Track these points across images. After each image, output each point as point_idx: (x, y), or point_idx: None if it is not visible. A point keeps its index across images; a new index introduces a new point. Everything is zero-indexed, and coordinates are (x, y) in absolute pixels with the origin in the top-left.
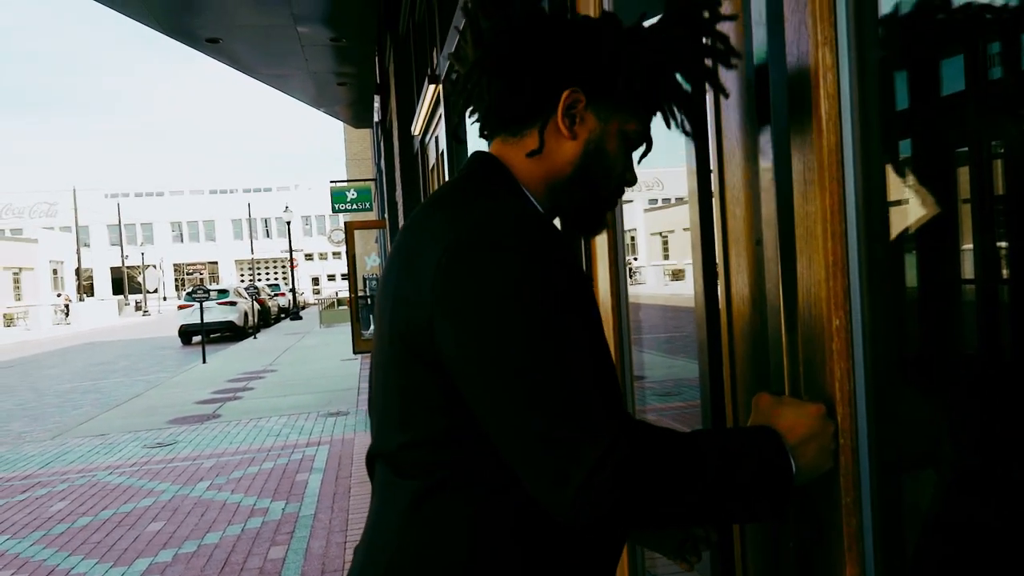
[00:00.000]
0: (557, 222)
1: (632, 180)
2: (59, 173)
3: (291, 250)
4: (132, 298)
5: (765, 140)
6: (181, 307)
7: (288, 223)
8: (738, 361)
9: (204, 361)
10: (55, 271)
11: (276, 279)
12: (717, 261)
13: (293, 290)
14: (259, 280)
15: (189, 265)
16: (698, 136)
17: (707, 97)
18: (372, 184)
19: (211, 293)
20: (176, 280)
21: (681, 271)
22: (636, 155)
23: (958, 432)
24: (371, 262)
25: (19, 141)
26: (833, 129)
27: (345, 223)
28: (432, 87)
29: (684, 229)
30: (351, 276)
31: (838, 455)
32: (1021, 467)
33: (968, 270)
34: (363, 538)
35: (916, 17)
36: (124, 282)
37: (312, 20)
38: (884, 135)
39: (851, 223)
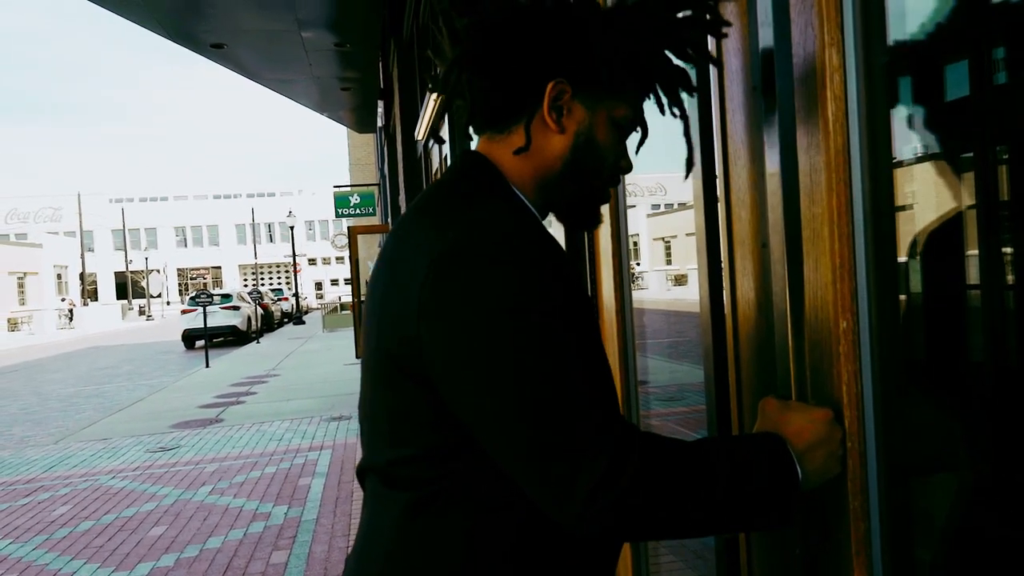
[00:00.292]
0: (551, 217)
1: (627, 167)
2: (64, 178)
3: (294, 255)
4: (136, 303)
5: (771, 142)
6: (184, 311)
7: (291, 228)
8: (744, 365)
9: (207, 365)
10: (59, 276)
11: (279, 284)
12: (723, 264)
13: (296, 295)
14: (262, 285)
15: (193, 270)
16: (703, 140)
17: (712, 99)
18: (375, 189)
19: (214, 298)
20: (180, 285)
21: (684, 276)
22: (633, 143)
23: (969, 437)
24: (374, 266)
25: (25, 147)
26: (840, 130)
27: (348, 228)
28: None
29: (687, 234)
30: (354, 281)
31: (845, 460)
32: None
33: (975, 273)
34: (354, 548)
35: (923, 18)
36: (128, 287)
37: (316, 25)
38: (891, 137)
39: (858, 225)
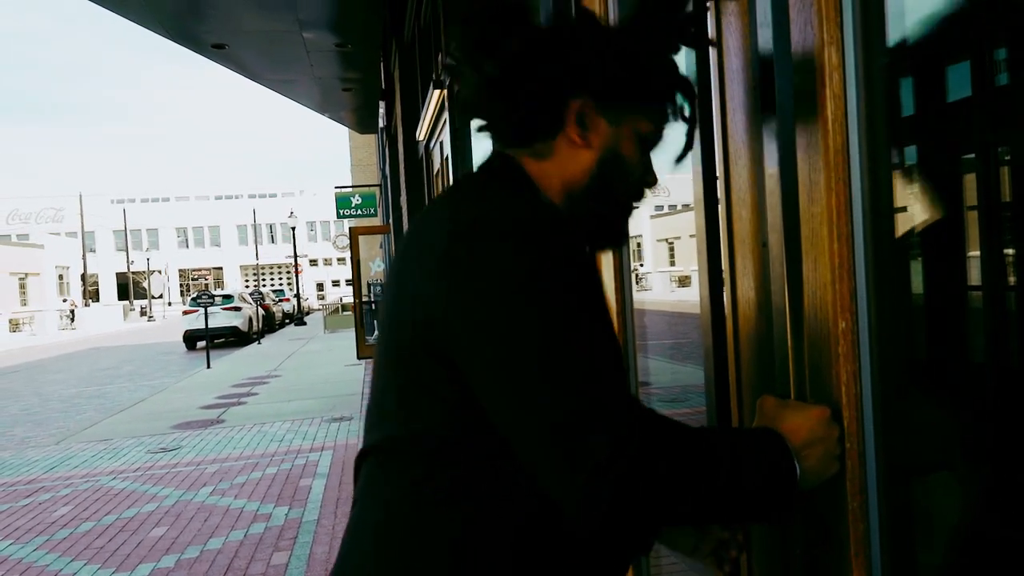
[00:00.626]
0: None
1: (653, 181)
2: (65, 179)
3: (296, 255)
4: (137, 303)
5: (770, 141)
6: (186, 312)
7: (293, 228)
8: (744, 365)
9: (208, 366)
10: (61, 276)
11: (281, 284)
12: (723, 264)
13: (298, 295)
14: (264, 285)
15: (194, 270)
16: (704, 138)
17: (713, 99)
18: (377, 190)
19: (216, 298)
20: (181, 285)
21: (687, 277)
22: (672, 156)
23: (969, 437)
24: (375, 267)
25: (26, 147)
26: (839, 130)
27: (350, 228)
28: (437, 92)
29: (690, 236)
30: (355, 281)
31: (844, 459)
32: None
33: (976, 271)
34: (344, 539)
35: (923, 17)
36: (130, 287)
37: (318, 26)
38: (891, 136)
39: (857, 224)
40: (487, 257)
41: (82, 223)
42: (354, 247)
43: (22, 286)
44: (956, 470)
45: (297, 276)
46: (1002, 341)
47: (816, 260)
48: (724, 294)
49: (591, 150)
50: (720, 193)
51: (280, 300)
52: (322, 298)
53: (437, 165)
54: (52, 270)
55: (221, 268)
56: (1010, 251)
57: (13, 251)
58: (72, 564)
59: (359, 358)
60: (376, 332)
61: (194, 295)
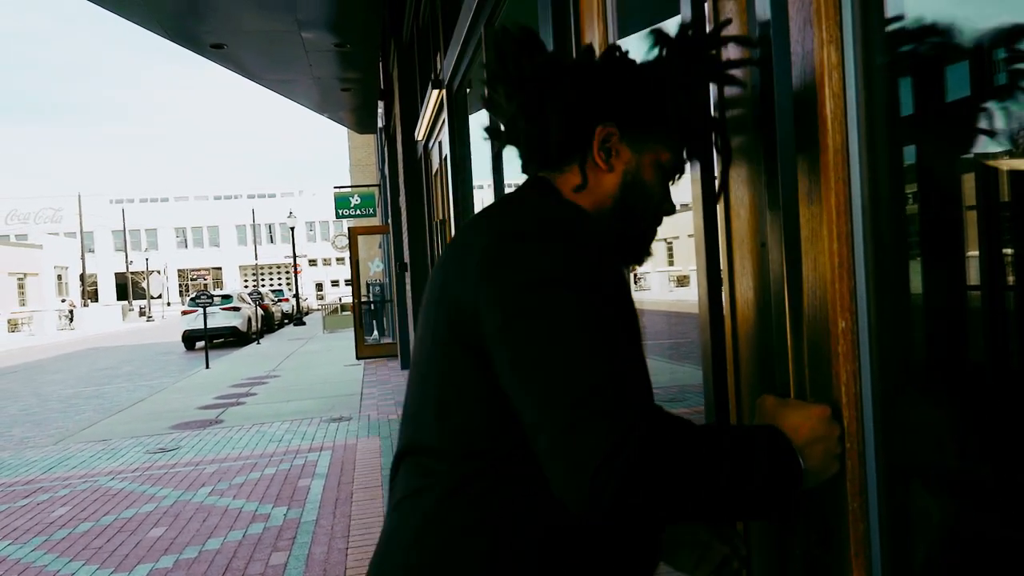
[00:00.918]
0: None
1: (671, 209)
2: (64, 179)
3: (295, 255)
4: (136, 303)
5: (769, 140)
6: (185, 312)
7: (292, 228)
8: (743, 365)
9: (207, 366)
10: (60, 276)
11: (280, 284)
12: (721, 265)
13: (297, 295)
14: (263, 285)
15: (193, 271)
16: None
17: (711, 98)
18: (376, 190)
19: (215, 298)
20: (180, 286)
21: (686, 277)
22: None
23: (968, 437)
24: (374, 267)
25: (25, 147)
26: (838, 128)
27: (349, 229)
28: (436, 92)
29: (689, 235)
30: (354, 281)
31: (844, 459)
32: None
33: (975, 271)
34: (380, 541)
35: (923, 15)
36: (128, 287)
37: (316, 26)
38: (890, 135)
39: (857, 223)
40: (522, 253)
41: (81, 223)
42: (353, 247)
43: (21, 286)
44: (956, 470)
45: (296, 276)
46: (1002, 341)
47: (816, 259)
48: (723, 294)
49: (614, 174)
50: (718, 194)
51: (279, 300)
52: (321, 298)
53: (436, 165)
54: (51, 270)
55: (220, 268)
56: (1009, 251)
57: (12, 251)
58: (70, 564)
59: (358, 358)
60: (412, 344)
61: (193, 295)
